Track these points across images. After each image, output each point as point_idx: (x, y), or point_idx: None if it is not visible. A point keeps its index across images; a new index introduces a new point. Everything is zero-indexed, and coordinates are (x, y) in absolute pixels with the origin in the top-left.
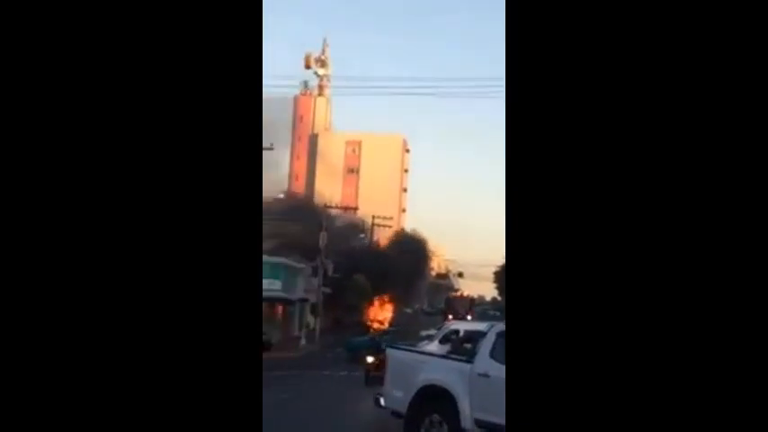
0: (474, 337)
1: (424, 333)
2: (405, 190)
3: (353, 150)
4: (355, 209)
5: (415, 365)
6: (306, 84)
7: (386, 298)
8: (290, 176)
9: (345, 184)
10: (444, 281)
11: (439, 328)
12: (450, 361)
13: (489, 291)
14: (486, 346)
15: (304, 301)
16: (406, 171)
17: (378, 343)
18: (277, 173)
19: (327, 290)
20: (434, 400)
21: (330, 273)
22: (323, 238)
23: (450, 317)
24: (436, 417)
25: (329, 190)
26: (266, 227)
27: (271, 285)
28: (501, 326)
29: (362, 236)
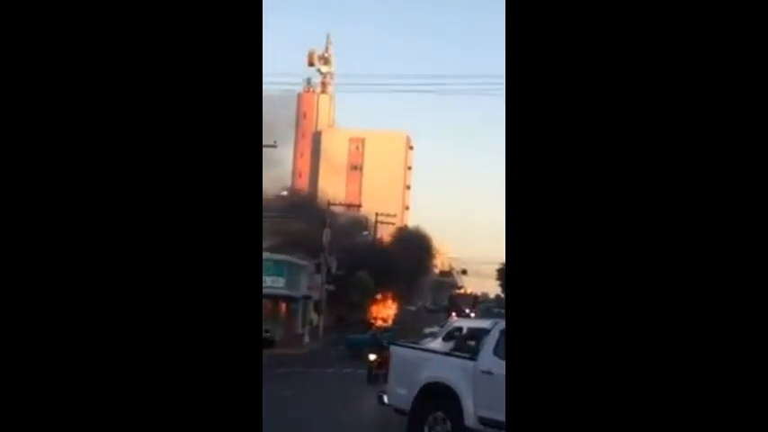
0: (477, 334)
1: (427, 330)
2: (408, 187)
3: (357, 147)
4: (359, 206)
5: (419, 363)
6: (309, 81)
7: (389, 295)
8: (294, 174)
9: (349, 182)
10: (448, 278)
11: (442, 326)
12: (453, 358)
13: (493, 288)
14: (489, 343)
15: (307, 298)
16: (409, 168)
17: (379, 340)
18: (280, 170)
19: (331, 287)
20: (438, 397)
21: (333, 270)
22: (326, 236)
23: (454, 314)
24: (440, 414)
25: (332, 187)
26: (270, 224)
27: (274, 282)
28: (504, 323)
29: (366, 233)
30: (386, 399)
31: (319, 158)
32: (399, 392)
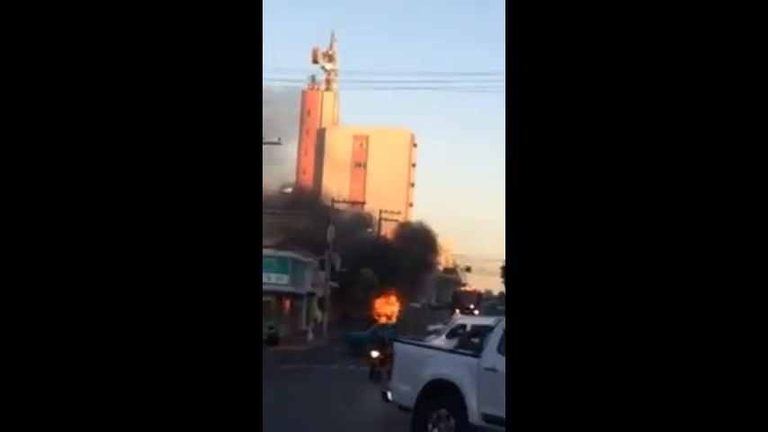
0: (481, 331)
1: (431, 327)
2: (412, 184)
3: (361, 145)
4: (363, 203)
5: (423, 360)
6: (313, 78)
7: (393, 292)
8: (298, 171)
9: (353, 179)
10: (452, 275)
11: (446, 323)
12: (457, 355)
13: (497, 285)
14: (493, 340)
15: (311, 295)
16: (413, 165)
17: (381, 337)
18: (284, 167)
19: (335, 284)
20: (442, 394)
21: (338, 267)
22: (330, 233)
23: (458, 311)
24: (443, 411)
25: (337, 184)
26: (274, 221)
27: (278, 279)
28: None
29: (370, 230)
30: (390, 396)
31: (323, 156)
32: (403, 389)
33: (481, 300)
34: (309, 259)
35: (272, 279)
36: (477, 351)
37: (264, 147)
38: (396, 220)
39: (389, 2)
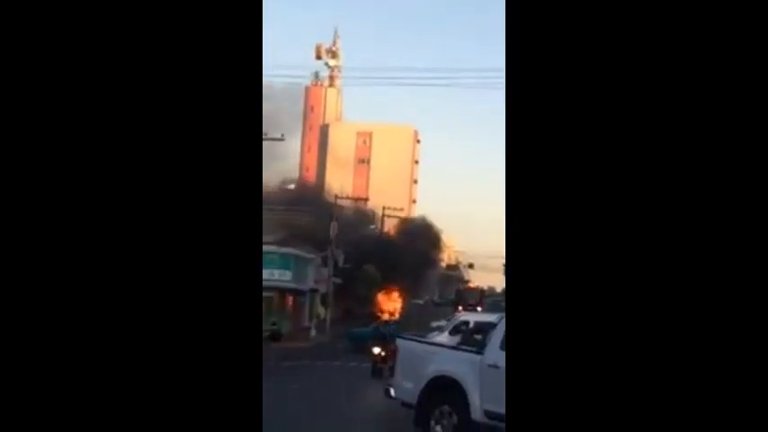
0: (484, 328)
1: (434, 324)
2: (415, 181)
3: (364, 141)
4: (366, 200)
5: (426, 356)
6: (317, 74)
7: (396, 288)
8: (301, 167)
9: (356, 175)
10: (455, 272)
11: (449, 320)
12: (460, 352)
13: (500, 282)
14: (496, 337)
15: (314, 291)
16: (416, 162)
17: (382, 334)
18: (288, 164)
19: (338, 280)
20: (444, 391)
21: (341, 263)
22: (333, 229)
23: (461, 308)
24: (446, 408)
25: (340, 181)
26: (277, 217)
27: (281, 276)
28: None
29: (373, 227)
30: (392, 392)
31: (326, 152)
32: (406, 386)
33: (484, 296)
34: (312, 255)
35: (275, 275)
36: (479, 348)
37: (267, 143)
38: (399, 217)
39: None
